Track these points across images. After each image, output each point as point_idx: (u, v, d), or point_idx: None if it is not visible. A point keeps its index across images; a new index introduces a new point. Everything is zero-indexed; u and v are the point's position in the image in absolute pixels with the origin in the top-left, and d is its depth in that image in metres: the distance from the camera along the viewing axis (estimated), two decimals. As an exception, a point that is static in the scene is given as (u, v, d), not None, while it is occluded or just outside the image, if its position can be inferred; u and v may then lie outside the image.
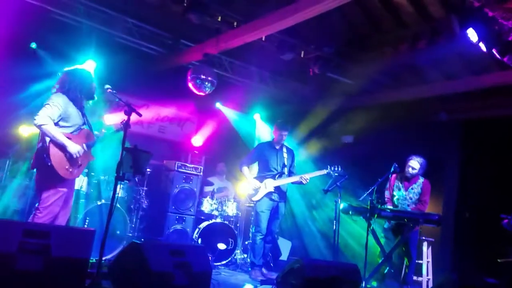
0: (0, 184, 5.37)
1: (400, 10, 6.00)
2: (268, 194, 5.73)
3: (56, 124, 3.79)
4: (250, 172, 6.02)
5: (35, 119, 3.70)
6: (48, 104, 3.77)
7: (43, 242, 2.94)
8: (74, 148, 3.83)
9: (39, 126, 3.70)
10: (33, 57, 6.02)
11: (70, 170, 3.84)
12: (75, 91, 3.96)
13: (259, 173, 5.95)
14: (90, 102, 4.20)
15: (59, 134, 3.75)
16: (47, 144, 3.73)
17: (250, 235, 6.42)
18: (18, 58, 5.73)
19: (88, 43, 6.11)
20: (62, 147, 3.77)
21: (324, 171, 5.66)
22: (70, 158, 3.83)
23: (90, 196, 5.51)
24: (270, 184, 5.75)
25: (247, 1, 6.16)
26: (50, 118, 3.73)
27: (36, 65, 5.86)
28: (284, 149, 6.00)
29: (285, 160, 5.92)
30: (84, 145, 3.98)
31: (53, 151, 3.73)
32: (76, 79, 4.01)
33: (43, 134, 3.78)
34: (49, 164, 3.70)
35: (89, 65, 6.22)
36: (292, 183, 5.88)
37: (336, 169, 5.57)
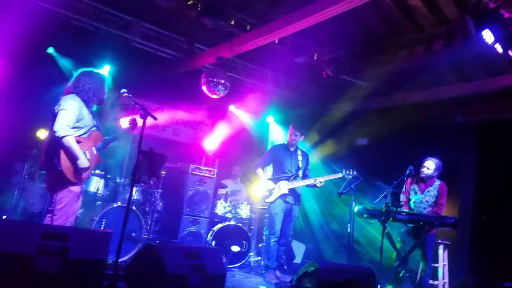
0: (19, 186, 5.48)
1: (415, 12, 5.96)
2: (282, 196, 5.74)
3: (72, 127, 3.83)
4: (264, 174, 6.04)
5: (56, 131, 3.69)
6: (64, 109, 3.77)
7: (61, 244, 2.99)
8: (84, 163, 3.81)
9: (61, 138, 3.70)
10: (50, 61, 6.13)
11: (78, 174, 3.88)
12: (89, 93, 3.99)
13: (273, 175, 5.96)
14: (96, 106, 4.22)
15: (76, 147, 3.77)
16: (59, 148, 3.74)
17: (264, 237, 6.44)
18: (36, 62, 5.85)
19: (105, 47, 6.20)
20: (72, 156, 3.77)
21: (339, 175, 5.64)
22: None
23: (107, 198, 5.59)
24: (284, 186, 5.76)
25: (260, 5, 6.19)
26: (69, 126, 3.75)
27: (54, 70, 5.97)
28: (299, 152, 6.01)
29: (300, 162, 5.92)
30: (93, 148, 4.02)
31: (64, 156, 3.76)
32: (92, 81, 4.04)
33: (54, 138, 3.77)
34: (59, 168, 3.72)
35: (105, 69, 6.33)
36: (307, 186, 5.88)
37: (350, 172, 5.55)
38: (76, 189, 3.91)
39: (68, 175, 3.78)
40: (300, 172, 5.88)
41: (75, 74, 4.11)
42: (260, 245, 6.83)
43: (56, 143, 3.74)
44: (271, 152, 6.15)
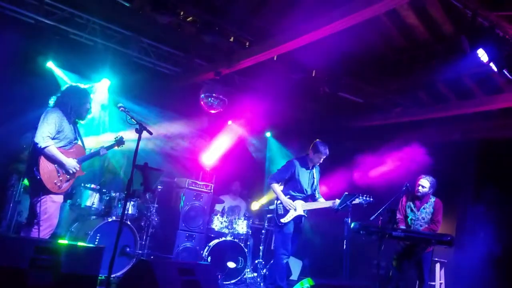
0: (14, 200, 5.44)
1: (413, 30, 6.01)
2: (297, 218, 5.35)
3: (52, 138, 3.92)
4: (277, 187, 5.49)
5: (37, 142, 3.82)
6: (44, 121, 3.90)
7: (54, 259, 3.00)
8: (71, 163, 3.98)
9: (43, 149, 3.82)
10: (49, 75, 6.16)
11: (58, 184, 3.95)
12: (68, 106, 4.10)
13: (286, 190, 5.46)
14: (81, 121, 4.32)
15: (58, 153, 3.91)
16: (38, 157, 3.84)
17: (260, 253, 6.37)
18: (34, 76, 5.87)
19: (104, 62, 6.25)
20: (58, 163, 3.91)
21: (357, 200, 5.28)
22: (62, 172, 3.95)
23: (102, 212, 5.56)
24: (299, 207, 5.36)
25: (259, 22, 6.24)
26: (49, 137, 3.87)
27: (52, 83, 5.98)
28: (314, 169, 5.58)
29: (315, 181, 5.54)
30: (75, 160, 4.09)
31: (43, 165, 3.85)
32: (72, 95, 4.16)
33: (35, 148, 3.87)
34: (38, 177, 3.81)
35: (103, 83, 6.35)
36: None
37: (365, 197, 5.25)
38: (58, 199, 4.00)
39: (47, 184, 3.86)
40: (316, 192, 5.57)
41: (62, 88, 4.24)
42: (256, 261, 6.77)
43: (37, 153, 3.86)
44: (290, 166, 5.49)
